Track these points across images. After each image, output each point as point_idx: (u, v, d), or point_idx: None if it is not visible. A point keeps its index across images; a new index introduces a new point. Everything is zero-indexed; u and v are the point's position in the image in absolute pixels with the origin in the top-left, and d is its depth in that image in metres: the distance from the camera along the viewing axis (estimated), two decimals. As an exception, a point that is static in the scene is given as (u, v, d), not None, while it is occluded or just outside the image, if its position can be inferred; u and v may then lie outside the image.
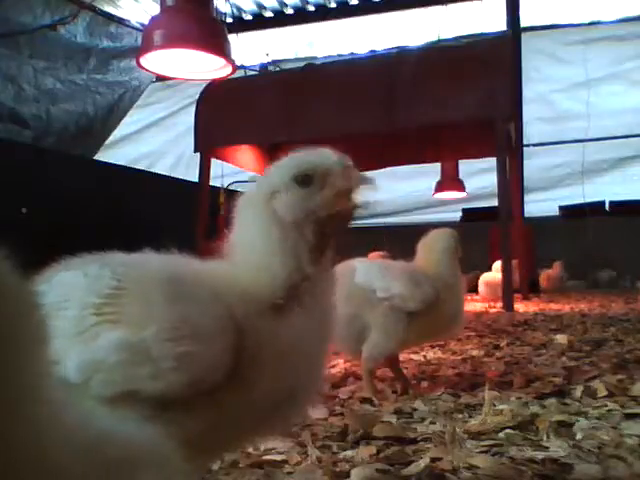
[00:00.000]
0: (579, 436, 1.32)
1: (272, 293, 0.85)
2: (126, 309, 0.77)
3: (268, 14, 10.56)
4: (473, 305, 5.65)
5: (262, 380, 0.81)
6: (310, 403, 0.98)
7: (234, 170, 7.18)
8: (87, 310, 0.77)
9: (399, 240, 9.83)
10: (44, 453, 0.38)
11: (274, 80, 6.61)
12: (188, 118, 10.21)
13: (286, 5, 10.28)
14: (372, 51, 10.18)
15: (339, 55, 10.35)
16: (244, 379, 0.80)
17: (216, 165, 6.22)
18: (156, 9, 4.73)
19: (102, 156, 9.29)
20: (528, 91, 9.09)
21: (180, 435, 0.67)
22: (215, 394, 0.78)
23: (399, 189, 10.83)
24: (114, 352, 0.74)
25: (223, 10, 7.73)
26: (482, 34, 9.23)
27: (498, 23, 9.45)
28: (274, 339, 0.83)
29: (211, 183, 6.19)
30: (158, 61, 4.49)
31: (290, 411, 0.90)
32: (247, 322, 0.81)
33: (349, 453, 1.25)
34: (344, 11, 10.25)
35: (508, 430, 1.37)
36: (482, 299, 6.44)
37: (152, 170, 9.60)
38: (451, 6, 9.67)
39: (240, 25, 10.37)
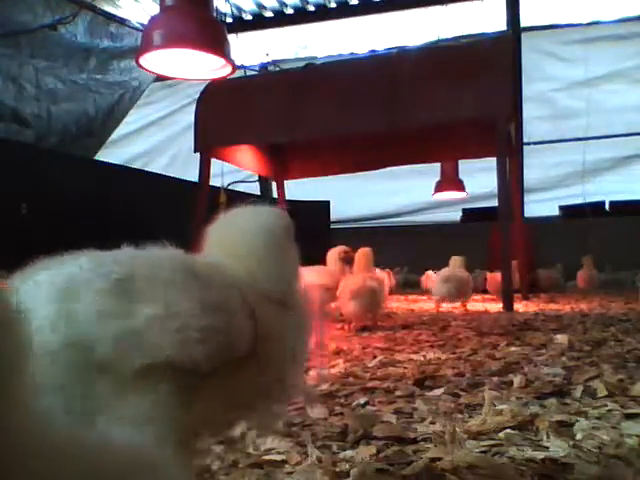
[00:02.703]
0: (579, 436, 1.32)
1: (272, 288, 0.95)
2: (152, 291, 0.80)
3: (268, 14, 10.56)
4: (473, 305, 5.65)
5: (269, 362, 0.89)
6: (289, 398, 1.07)
7: (234, 169, 7.19)
8: (114, 293, 0.79)
9: (399, 240, 9.87)
10: (27, 463, 0.37)
11: (274, 80, 6.62)
12: (186, 117, 10.25)
13: (286, 5, 10.28)
14: (372, 51, 10.19)
15: (339, 55, 10.35)
16: (257, 358, 0.87)
17: (216, 164, 6.22)
18: (156, 9, 4.73)
19: (101, 155, 9.29)
20: (528, 90, 9.10)
21: (196, 404, 0.79)
22: (237, 368, 0.84)
23: (399, 189, 10.84)
24: (151, 325, 0.77)
25: (223, 10, 7.74)
26: (482, 34, 9.24)
27: (498, 23, 9.45)
28: (277, 326, 0.92)
29: (211, 182, 6.19)
30: (158, 61, 4.49)
31: (277, 400, 0.97)
32: (257, 306, 0.89)
33: (349, 453, 1.25)
34: (344, 11, 10.25)
35: (508, 430, 1.37)
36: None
37: (148, 169, 9.60)
38: (451, 6, 9.67)
39: (240, 25, 10.38)
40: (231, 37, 4.53)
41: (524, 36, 9.20)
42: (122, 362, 0.75)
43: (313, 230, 9.31)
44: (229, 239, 1.03)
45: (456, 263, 5.05)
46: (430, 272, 7.41)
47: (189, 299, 0.81)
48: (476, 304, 5.76)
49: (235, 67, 4.63)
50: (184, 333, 0.78)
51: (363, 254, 3.73)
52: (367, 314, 3.66)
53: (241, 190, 8.26)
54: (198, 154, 6.06)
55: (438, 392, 1.83)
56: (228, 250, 0.99)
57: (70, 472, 0.40)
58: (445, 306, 5.28)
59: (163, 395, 0.76)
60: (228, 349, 0.82)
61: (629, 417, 1.48)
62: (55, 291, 0.76)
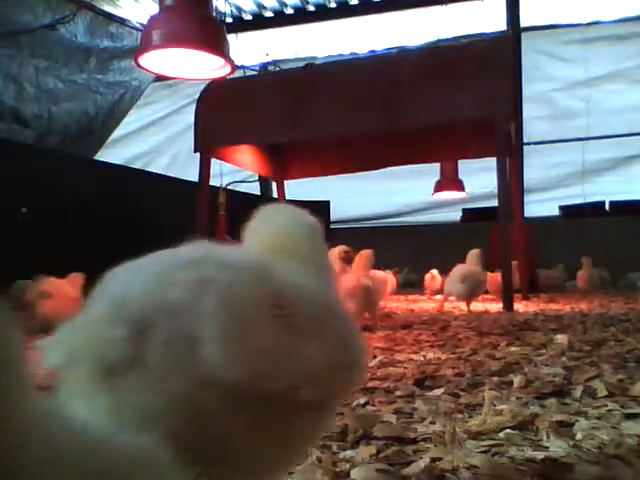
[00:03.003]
0: (579, 436, 1.32)
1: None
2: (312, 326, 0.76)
3: (268, 14, 10.56)
4: (473, 305, 5.64)
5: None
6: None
7: (234, 169, 7.19)
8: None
9: (399, 241, 9.86)
10: (28, 463, 0.37)
11: (274, 80, 6.62)
12: (186, 117, 10.26)
13: (286, 5, 10.28)
14: (372, 51, 10.19)
15: (339, 55, 10.35)
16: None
17: (215, 164, 6.23)
18: (156, 9, 4.73)
19: (101, 155, 9.30)
20: (528, 90, 9.10)
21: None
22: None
23: (399, 189, 10.85)
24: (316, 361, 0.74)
25: (223, 10, 7.74)
26: (482, 34, 9.24)
27: (498, 23, 9.45)
28: None
29: (211, 182, 6.20)
30: (157, 61, 4.50)
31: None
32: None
33: (349, 453, 1.25)
34: (344, 11, 10.25)
35: (508, 430, 1.37)
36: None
37: (148, 169, 9.61)
38: (451, 6, 9.68)
39: (240, 25, 10.38)
40: (231, 37, 4.54)
41: (524, 36, 9.20)
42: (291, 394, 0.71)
43: (313, 230, 9.33)
44: (278, 239, 0.92)
45: (473, 258, 4.86)
46: (434, 271, 7.38)
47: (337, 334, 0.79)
48: (476, 304, 5.76)
49: (235, 67, 4.64)
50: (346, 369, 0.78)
51: (362, 255, 3.75)
52: (363, 313, 3.66)
53: (241, 190, 8.26)
54: (198, 154, 6.06)
55: (438, 392, 1.83)
56: (276, 250, 0.89)
57: (71, 473, 0.40)
58: (447, 305, 5.28)
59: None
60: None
61: (629, 417, 1.48)
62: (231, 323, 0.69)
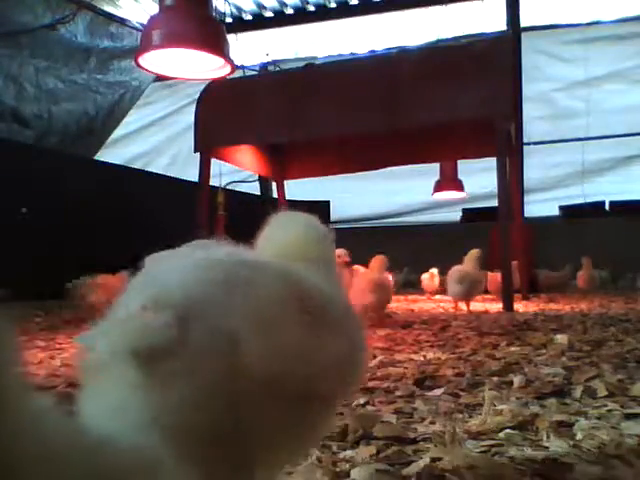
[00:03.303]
0: (579, 436, 1.32)
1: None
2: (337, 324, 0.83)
3: (268, 14, 10.56)
4: (473, 305, 5.64)
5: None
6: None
7: (234, 169, 7.19)
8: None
9: (399, 241, 9.86)
10: (25, 465, 0.37)
11: (274, 80, 6.61)
12: (186, 117, 10.26)
13: (286, 5, 10.28)
14: (372, 51, 10.20)
15: (339, 55, 10.35)
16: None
17: (215, 164, 6.23)
18: (156, 9, 4.73)
19: (101, 155, 9.30)
20: (528, 90, 9.10)
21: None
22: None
23: (399, 189, 10.85)
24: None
25: (223, 10, 7.74)
26: (482, 34, 9.24)
27: (498, 23, 9.45)
28: None
29: (210, 182, 6.20)
30: (157, 61, 4.50)
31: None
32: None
33: (349, 453, 1.25)
34: (344, 11, 10.25)
35: (508, 430, 1.37)
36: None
37: (148, 169, 9.61)
38: (451, 6, 9.68)
39: (240, 25, 10.38)
40: (231, 37, 4.54)
41: (524, 36, 9.20)
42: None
43: (313, 230, 9.34)
44: (288, 245, 0.96)
45: (471, 259, 4.87)
46: (434, 270, 7.34)
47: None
48: (476, 304, 5.76)
49: (234, 67, 4.64)
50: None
51: (377, 259, 3.98)
52: (378, 309, 3.88)
53: (240, 190, 8.27)
54: (198, 154, 6.06)
55: (438, 392, 1.83)
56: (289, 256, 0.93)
57: (69, 475, 0.40)
58: (444, 306, 5.28)
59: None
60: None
61: (629, 417, 1.48)
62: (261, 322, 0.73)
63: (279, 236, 0.97)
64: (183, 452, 0.58)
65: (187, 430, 0.63)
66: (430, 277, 7.34)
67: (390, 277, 4.23)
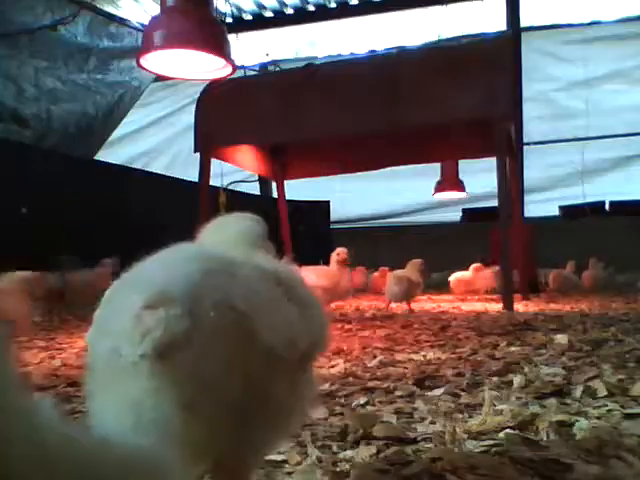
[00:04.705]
0: (579, 436, 1.32)
1: None
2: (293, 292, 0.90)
3: (268, 14, 10.55)
4: (473, 305, 5.65)
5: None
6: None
7: (234, 169, 7.19)
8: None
9: (399, 241, 9.84)
10: (23, 466, 0.37)
11: (274, 80, 6.61)
12: (186, 117, 10.26)
13: (286, 5, 10.28)
14: (372, 51, 10.19)
15: (339, 55, 10.35)
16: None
17: (215, 164, 6.22)
18: (156, 9, 4.73)
19: (101, 155, 9.29)
20: (528, 90, 9.10)
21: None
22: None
23: (399, 189, 10.85)
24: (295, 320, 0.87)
25: (223, 10, 7.74)
26: (482, 34, 9.24)
27: (498, 23, 9.45)
28: None
29: (211, 182, 6.19)
30: (158, 61, 4.50)
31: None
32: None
33: (349, 453, 1.26)
34: (344, 11, 10.24)
35: (508, 430, 1.37)
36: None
37: (148, 169, 9.61)
38: (451, 6, 9.67)
39: (240, 25, 10.38)
40: (231, 37, 4.53)
41: (524, 36, 9.19)
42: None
43: (313, 230, 9.34)
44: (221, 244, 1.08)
45: (414, 265, 5.13)
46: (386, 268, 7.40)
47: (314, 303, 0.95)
48: (476, 304, 5.76)
49: (235, 67, 4.63)
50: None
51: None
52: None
53: (241, 190, 8.26)
54: (198, 154, 6.06)
55: (438, 392, 1.83)
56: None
57: (67, 475, 0.40)
58: (446, 306, 5.27)
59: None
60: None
61: (629, 417, 1.48)
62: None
63: (219, 235, 1.12)
64: (200, 431, 0.64)
65: (207, 408, 0.68)
66: (380, 274, 7.45)
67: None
